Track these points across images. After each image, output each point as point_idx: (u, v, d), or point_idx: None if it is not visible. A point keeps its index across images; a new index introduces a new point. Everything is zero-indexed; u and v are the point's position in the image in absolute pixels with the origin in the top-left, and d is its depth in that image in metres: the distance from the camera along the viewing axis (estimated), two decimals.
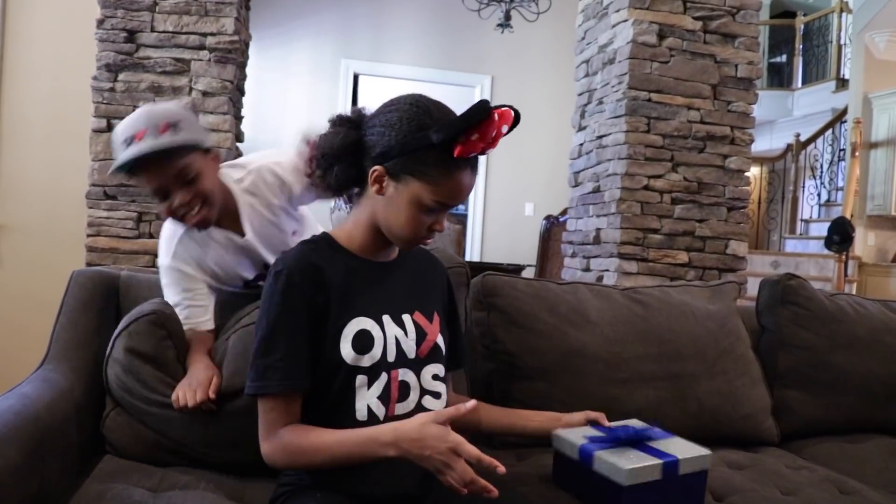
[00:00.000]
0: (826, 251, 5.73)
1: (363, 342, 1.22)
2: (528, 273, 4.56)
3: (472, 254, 6.64)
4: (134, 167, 1.44)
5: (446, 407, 1.29)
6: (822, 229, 6.35)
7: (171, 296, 1.59)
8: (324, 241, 1.30)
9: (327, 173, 1.26)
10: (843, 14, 8.54)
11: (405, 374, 1.26)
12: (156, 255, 1.94)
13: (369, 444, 1.14)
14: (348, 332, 1.22)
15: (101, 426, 1.55)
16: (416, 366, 1.28)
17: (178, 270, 1.58)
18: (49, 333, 1.65)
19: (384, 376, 1.23)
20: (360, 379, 1.22)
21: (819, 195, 7.75)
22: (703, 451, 1.43)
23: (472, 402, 1.13)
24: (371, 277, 1.29)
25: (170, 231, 1.61)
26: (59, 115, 3.45)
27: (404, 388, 1.26)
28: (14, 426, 1.22)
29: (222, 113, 2.87)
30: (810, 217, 7.74)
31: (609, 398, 1.77)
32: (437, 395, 1.31)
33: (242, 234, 1.61)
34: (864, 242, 6.69)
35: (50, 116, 3.46)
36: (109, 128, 2.84)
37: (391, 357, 1.24)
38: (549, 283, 1.95)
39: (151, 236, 2.85)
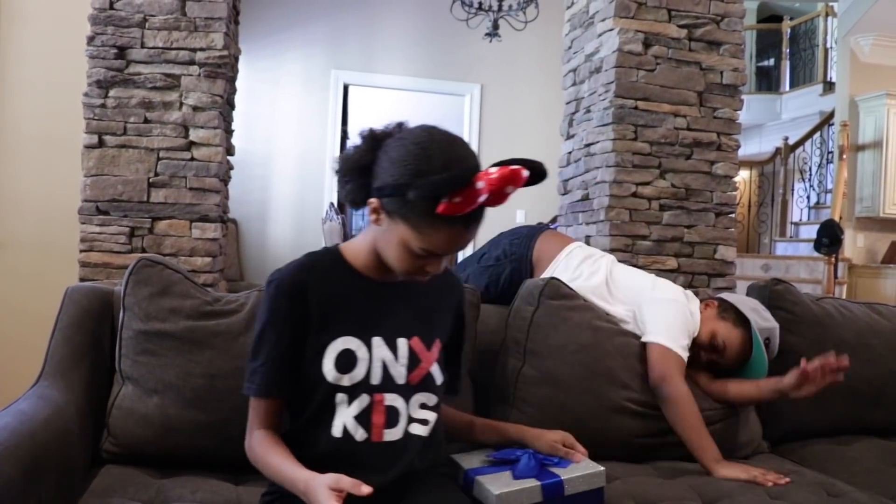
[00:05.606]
0: (816, 254, 5.77)
1: (346, 361, 1.23)
2: None
3: None
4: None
5: (434, 430, 1.31)
6: (811, 232, 6.39)
7: None
8: (328, 254, 1.31)
9: (343, 186, 1.25)
10: (829, 18, 8.62)
11: (393, 400, 1.26)
12: None
13: (290, 482, 1.17)
14: (332, 349, 1.23)
15: (106, 416, 1.60)
16: (406, 392, 1.27)
17: None
18: (44, 349, 1.66)
19: (365, 398, 1.23)
20: (340, 396, 1.23)
21: (808, 198, 7.81)
22: (595, 467, 1.40)
23: (367, 489, 1.07)
24: (369, 297, 1.29)
25: None
26: (51, 130, 3.45)
27: (392, 414, 1.25)
28: (11, 444, 1.23)
29: (213, 127, 2.89)
30: (800, 220, 7.80)
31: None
32: (424, 423, 1.29)
33: None
34: (854, 244, 6.74)
35: (42, 132, 3.47)
36: (101, 143, 2.85)
37: (375, 380, 1.24)
38: None
39: (144, 251, 2.86)
